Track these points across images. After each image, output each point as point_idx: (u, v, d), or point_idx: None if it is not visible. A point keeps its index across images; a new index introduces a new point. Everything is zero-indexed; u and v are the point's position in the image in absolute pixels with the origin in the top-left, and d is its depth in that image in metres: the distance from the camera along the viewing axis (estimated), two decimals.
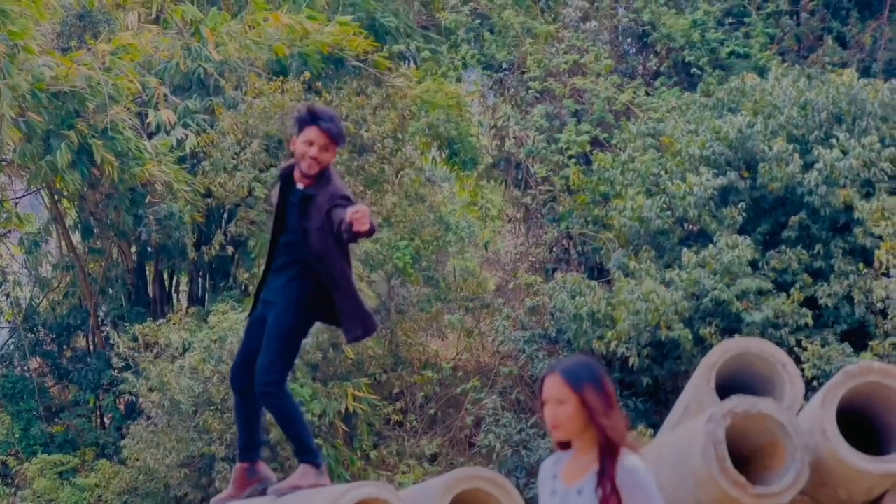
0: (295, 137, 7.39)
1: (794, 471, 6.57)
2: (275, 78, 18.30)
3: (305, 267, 7.34)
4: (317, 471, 7.37)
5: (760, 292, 15.02)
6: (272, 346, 7.33)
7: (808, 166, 15.34)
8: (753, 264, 15.21)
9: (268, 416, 7.81)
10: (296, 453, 7.49)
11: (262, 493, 7.47)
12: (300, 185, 7.39)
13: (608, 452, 4.81)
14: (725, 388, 7.20)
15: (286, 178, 7.50)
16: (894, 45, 18.53)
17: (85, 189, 18.02)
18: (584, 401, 4.80)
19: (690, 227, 16.22)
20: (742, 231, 15.42)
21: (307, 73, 18.10)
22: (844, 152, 15.04)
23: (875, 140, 15.05)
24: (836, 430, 6.62)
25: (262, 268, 7.65)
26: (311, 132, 7.31)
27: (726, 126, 15.70)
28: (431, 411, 18.09)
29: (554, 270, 18.73)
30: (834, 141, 15.23)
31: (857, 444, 6.72)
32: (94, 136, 16.75)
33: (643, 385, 15.77)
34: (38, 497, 17.19)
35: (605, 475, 4.78)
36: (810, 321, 14.81)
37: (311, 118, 7.35)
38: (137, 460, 16.81)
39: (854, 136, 15.25)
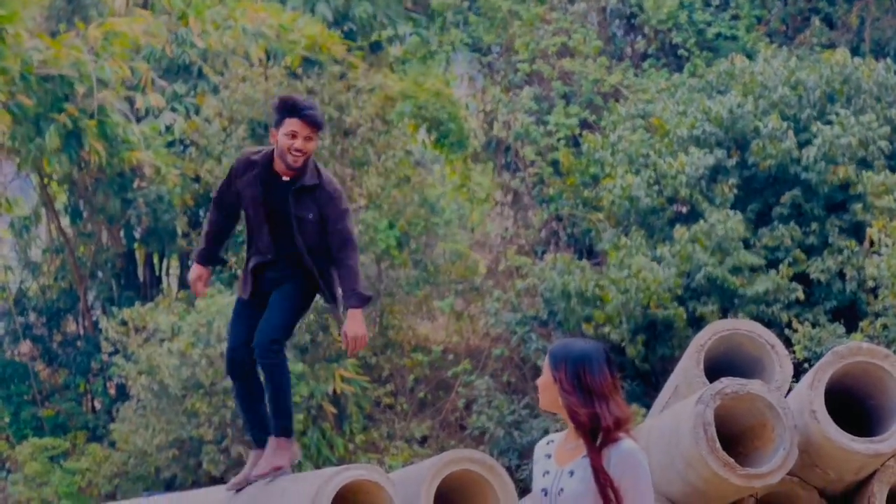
0: (274, 130, 7.28)
1: (783, 451, 6.59)
2: (258, 63, 18.29)
3: (301, 257, 7.36)
4: (288, 442, 7.36)
5: (753, 269, 15.08)
6: (284, 311, 7.34)
7: (801, 144, 15.39)
8: (745, 243, 15.25)
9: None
10: (274, 426, 7.38)
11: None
12: (286, 178, 7.31)
13: (584, 435, 4.85)
14: (715, 369, 7.23)
15: (266, 168, 7.35)
16: (881, 25, 18.55)
17: (74, 173, 17.99)
18: (556, 378, 4.86)
19: (680, 206, 16.25)
20: (733, 209, 15.46)
21: (289, 59, 18.09)
22: (843, 129, 15.09)
23: (873, 118, 15.12)
24: (824, 410, 6.65)
25: (249, 253, 7.57)
26: (293, 123, 7.21)
27: (716, 106, 15.73)
28: (421, 394, 18.11)
29: (543, 253, 18.76)
30: (833, 118, 15.28)
31: (847, 424, 6.75)
32: (83, 119, 16.73)
33: (634, 366, 15.80)
34: (30, 481, 17.20)
35: (591, 458, 4.81)
36: (801, 296, 14.88)
37: (291, 109, 7.26)
38: (127, 442, 16.83)
39: (850, 114, 15.30)
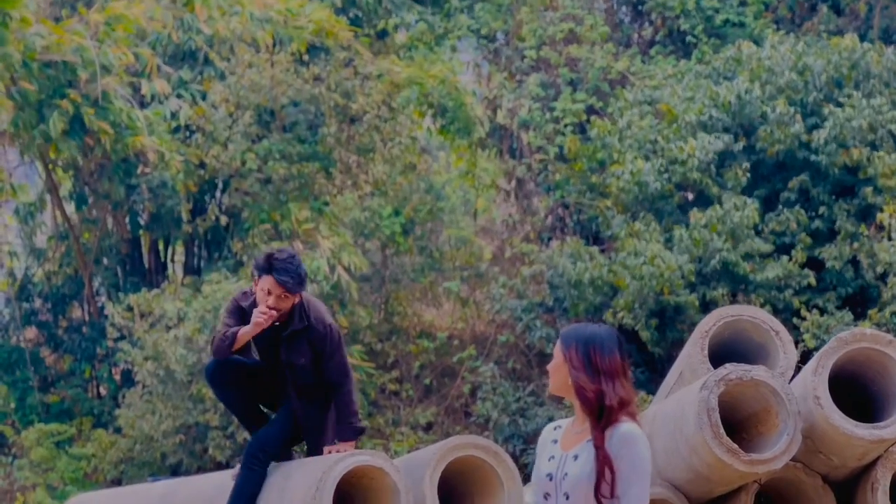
0: (255, 279, 7.33)
1: (786, 437, 6.59)
2: (263, 50, 18.29)
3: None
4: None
5: (762, 255, 15.08)
6: (284, 426, 7.46)
7: (809, 129, 15.38)
8: (754, 228, 15.26)
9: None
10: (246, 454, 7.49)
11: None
12: (276, 323, 7.37)
13: (590, 413, 4.90)
14: (719, 355, 7.23)
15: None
16: (889, 13, 18.50)
17: (79, 159, 17.99)
18: (566, 357, 4.95)
19: (690, 192, 16.24)
20: (743, 195, 15.46)
21: (295, 45, 18.08)
22: (855, 112, 15.07)
23: (884, 102, 15.11)
24: (828, 396, 6.64)
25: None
26: (267, 282, 7.25)
27: (724, 92, 15.72)
28: (426, 380, 18.11)
29: (549, 239, 18.75)
30: (844, 100, 15.26)
31: (850, 411, 6.75)
32: (86, 106, 16.72)
33: (646, 351, 15.78)
34: (35, 466, 17.22)
35: (594, 437, 4.86)
36: (813, 282, 14.88)
37: (266, 267, 7.27)
38: (133, 428, 16.86)
39: (861, 97, 15.29)
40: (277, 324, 7.36)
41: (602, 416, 4.88)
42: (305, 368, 7.38)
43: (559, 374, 4.98)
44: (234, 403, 7.66)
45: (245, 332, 7.32)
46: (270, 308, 7.24)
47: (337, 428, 7.42)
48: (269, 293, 7.23)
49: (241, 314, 7.46)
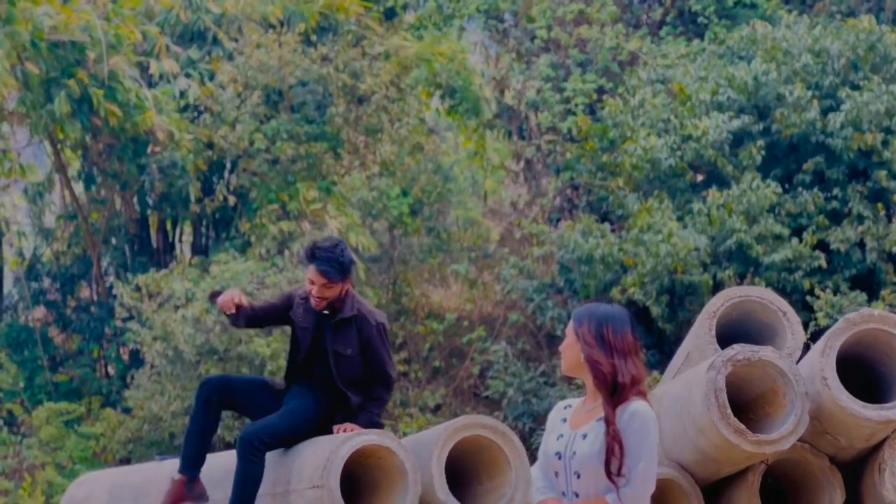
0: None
1: (794, 418, 6.58)
2: (272, 30, 18.27)
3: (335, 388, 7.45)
4: (179, 483, 7.32)
5: (776, 237, 15.04)
6: (286, 419, 7.38)
7: (825, 112, 15.32)
8: (771, 209, 15.23)
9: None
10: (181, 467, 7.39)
11: None
12: (326, 312, 7.42)
13: (603, 390, 4.92)
14: (727, 335, 7.21)
15: (311, 312, 7.49)
16: None
17: (87, 139, 17.99)
18: (579, 334, 4.97)
19: (701, 171, 16.20)
20: (759, 174, 15.42)
21: (303, 25, 18.06)
22: (873, 95, 15.01)
23: None
24: (836, 377, 6.63)
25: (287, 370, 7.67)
26: (311, 272, 7.32)
27: (740, 73, 15.66)
28: (435, 362, 18.13)
29: (558, 220, 18.73)
30: (862, 83, 15.20)
31: (858, 392, 6.74)
32: (94, 86, 16.71)
33: (656, 329, 15.75)
34: (44, 445, 17.28)
35: (606, 413, 4.89)
36: (824, 264, 14.85)
37: (309, 256, 7.34)
38: (142, 408, 16.89)
39: (880, 81, 15.23)
40: (326, 312, 7.39)
41: (615, 393, 4.91)
42: (352, 360, 7.37)
43: (572, 353, 5.00)
44: (200, 424, 7.47)
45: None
46: (316, 297, 7.30)
47: (360, 414, 7.39)
48: (313, 283, 7.28)
49: (288, 302, 7.55)
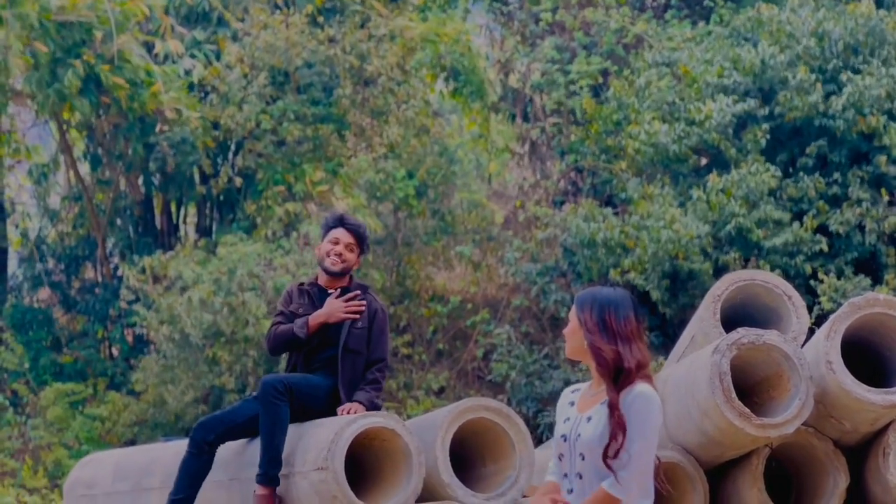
0: (321, 242, 7.78)
1: (798, 402, 6.59)
2: (278, 10, 18.25)
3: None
4: (269, 492, 7.17)
5: (777, 222, 15.05)
6: (304, 378, 7.51)
7: (827, 96, 15.33)
8: (771, 193, 15.24)
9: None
10: (260, 472, 7.21)
11: None
12: (332, 290, 7.70)
13: (607, 375, 4.94)
14: (731, 319, 7.22)
15: (315, 286, 7.77)
16: None
17: (93, 119, 17.99)
18: (581, 320, 4.99)
19: (707, 155, 16.19)
20: (762, 157, 15.42)
21: (310, 7, 18.04)
22: (875, 80, 15.00)
23: None
24: (841, 361, 6.63)
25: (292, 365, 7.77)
26: (338, 231, 7.73)
27: (746, 55, 15.66)
28: (440, 345, 18.14)
29: (562, 203, 18.72)
30: (864, 67, 15.20)
31: (863, 376, 6.74)
32: (101, 65, 16.72)
33: (658, 313, 15.77)
34: (50, 426, 17.31)
35: (610, 397, 4.92)
36: (825, 248, 14.86)
37: (338, 221, 7.80)
38: (150, 393, 16.93)
39: (881, 64, 15.23)
40: (332, 291, 7.67)
41: (619, 378, 4.92)
42: (361, 334, 7.55)
43: (575, 338, 5.03)
44: (282, 420, 7.36)
45: (318, 316, 7.57)
46: (337, 255, 7.64)
47: (358, 391, 7.44)
48: (337, 242, 7.65)
49: (290, 298, 7.81)
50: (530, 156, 19.90)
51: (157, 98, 16.99)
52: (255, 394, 7.56)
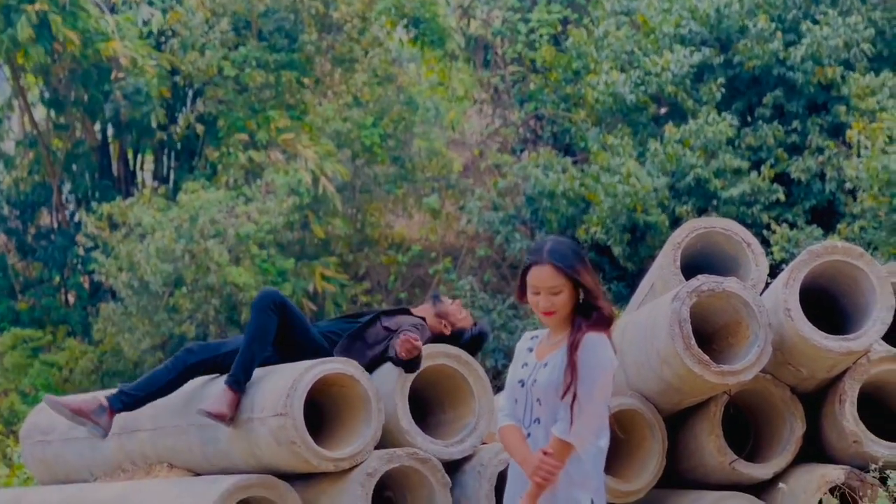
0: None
1: (757, 349, 6.61)
2: None
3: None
4: (235, 395, 7.10)
5: (735, 171, 15.08)
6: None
7: (787, 45, 15.34)
8: (730, 142, 15.27)
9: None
10: (234, 374, 7.15)
11: None
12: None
13: (577, 327, 5.06)
14: (691, 267, 7.22)
15: None
16: None
17: (49, 64, 17.77)
18: (581, 284, 5.05)
19: (665, 105, 16.19)
20: (718, 110, 15.44)
21: None
22: (832, 30, 15.01)
23: (859, 20, 15.05)
24: (799, 308, 6.66)
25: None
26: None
27: (703, 5, 15.64)
28: (400, 293, 18.12)
29: (522, 151, 18.70)
30: (822, 17, 15.21)
31: (820, 323, 6.77)
32: (54, 12, 16.50)
33: (619, 265, 15.82)
34: (7, 371, 17.20)
35: (574, 338, 5.04)
36: (782, 197, 14.92)
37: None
38: (110, 342, 16.84)
39: (837, 15, 15.23)
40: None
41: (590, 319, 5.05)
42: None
43: (569, 306, 5.08)
44: (268, 332, 7.26)
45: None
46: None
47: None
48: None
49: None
50: (491, 103, 19.83)
51: (111, 47, 16.79)
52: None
